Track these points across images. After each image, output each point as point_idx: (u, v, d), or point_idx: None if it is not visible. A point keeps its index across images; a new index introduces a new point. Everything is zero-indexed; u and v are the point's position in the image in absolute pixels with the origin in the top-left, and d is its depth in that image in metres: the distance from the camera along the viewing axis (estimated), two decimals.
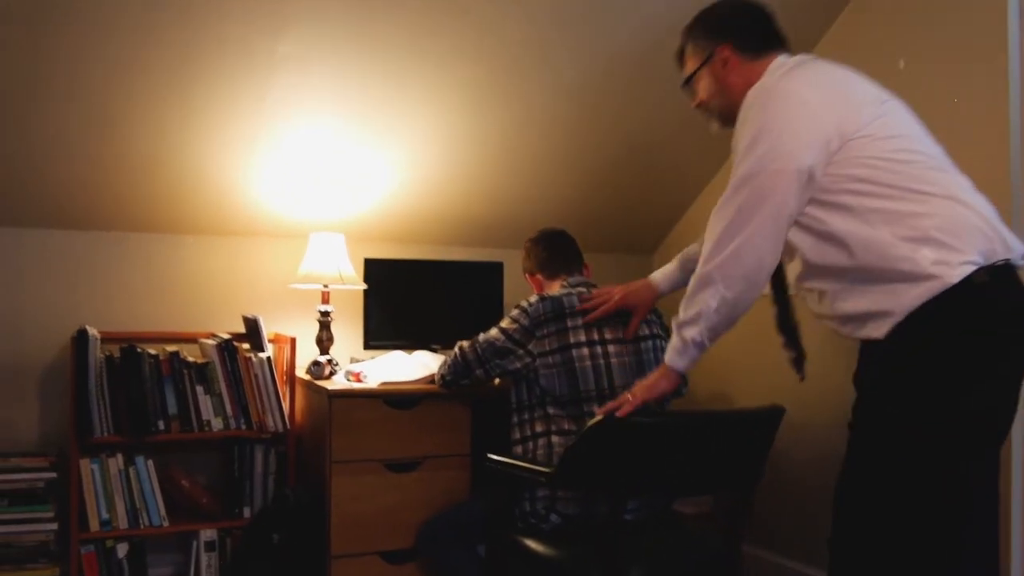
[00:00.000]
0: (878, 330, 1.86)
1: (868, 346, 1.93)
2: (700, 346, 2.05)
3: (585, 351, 2.63)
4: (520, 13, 3.03)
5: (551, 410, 2.64)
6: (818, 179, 1.92)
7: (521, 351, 2.67)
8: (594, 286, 2.82)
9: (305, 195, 3.53)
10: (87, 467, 3.07)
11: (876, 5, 3.21)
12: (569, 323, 2.66)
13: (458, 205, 3.78)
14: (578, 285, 2.82)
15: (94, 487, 3.07)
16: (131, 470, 3.12)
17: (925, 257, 1.80)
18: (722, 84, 2.19)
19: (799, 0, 3.22)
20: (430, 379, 3.12)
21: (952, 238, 1.81)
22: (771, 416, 2.27)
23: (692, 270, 2.33)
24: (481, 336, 2.78)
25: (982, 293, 1.79)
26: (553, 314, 2.67)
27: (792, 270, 2.08)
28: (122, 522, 3.09)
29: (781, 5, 3.23)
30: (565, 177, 3.78)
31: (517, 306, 2.74)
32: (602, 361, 2.64)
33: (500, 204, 3.82)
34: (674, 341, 2.09)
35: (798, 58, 2.13)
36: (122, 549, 3.13)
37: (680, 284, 2.60)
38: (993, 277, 1.81)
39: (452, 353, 2.89)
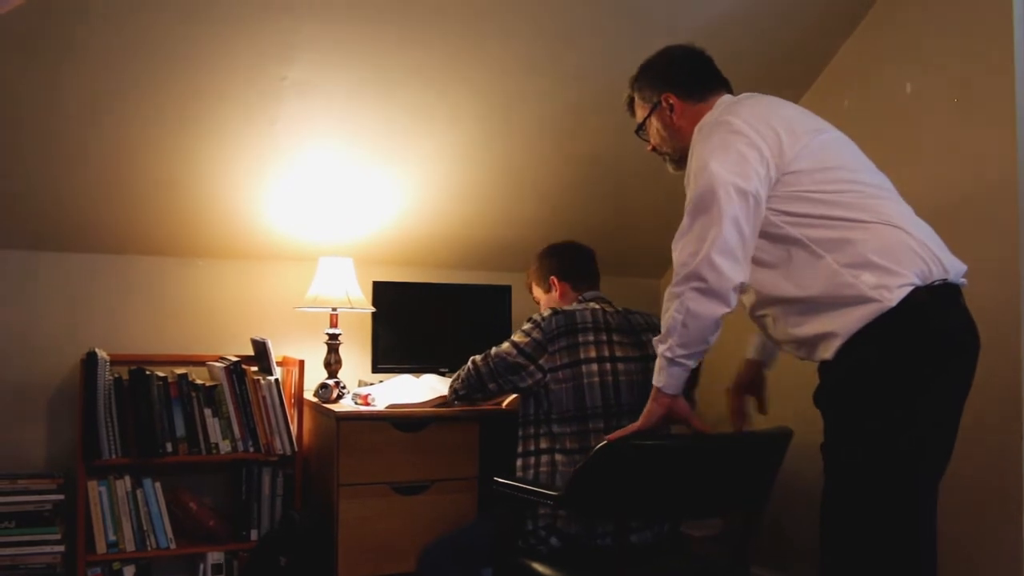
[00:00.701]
0: (827, 351, 1.96)
1: (821, 367, 2.02)
2: (673, 363, 2.06)
3: (595, 367, 2.63)
4: (525, 36, 3.05)
5: (555, 428, 2.63)
6: (763, 207, 2.01)
7: (532, 367, 2.66)
8: (608, 302, 2.82)
9: (314, 219, 3.55)
10: (95, 489, 3.07)
11: (881, 32, 3.23)
12: (580, 338, 2.66)
13: (466, 228, 3.80)
14: (592, 300, 2.82)
15: (101, 509, 3.07)
16: (139, 492, 3.12)
17: (865, 282, 1.90)
18: (671, 129, 2.32)
19: (805, 28, 3.24)
20: (438, 402, 3.11)
21: (890, 261, 1.91)
22: (779, 439, 2.27)
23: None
24: (494, 350, 2.77)
25: (921, 311, 1.89)
26: (566, 328, 2.66)
27: (746, 300, 2.15)
28: (129, 544, 3.09)
29: (788, 34, 3.27)
30: (572, 200, 3.79)
31: (530, 319, 2.74)
32: (610, 378, 2.64)
33: (508, 227, 3.83)
34: (657, 361, 2.13)
35: (741, 96, 2.25)
36: (129, 571, 3.12)
37: (773, 346, 2.40)
38: (932, 296, 1.91)
39: (465, 367, 2.89)
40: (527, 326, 2.73)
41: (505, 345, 2.74)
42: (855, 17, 3.28)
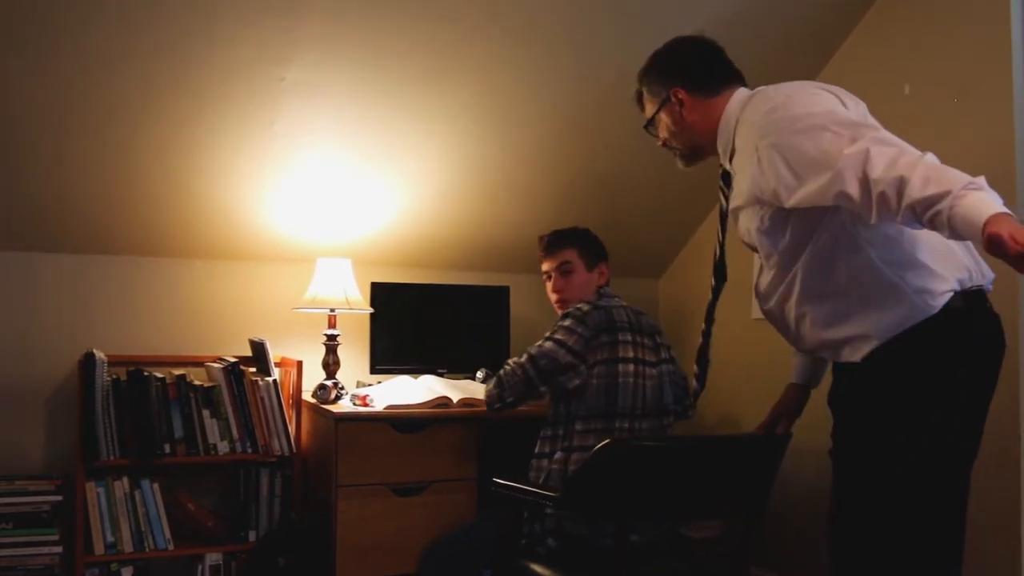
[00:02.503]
0: (854, 354, 1.89)
1: (844, 368, 1.95)
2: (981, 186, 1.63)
3: (631, 367, 2.64)
4: (525, 37, 3.06)
5: (578, 426, 2.62)
6: None
7: (582, 366, 2.62)
8: (620, 300, 2.83)
9: (312, 219, 3.55)
10: (93, 490, 3.07)
11: (879, 34, 3.23)
12: (620, 336, 2.66)
13: (464, 229, 3.80)
14: (615, 297, 2.83)
15: (99, 510, 3.07)
16: (137, 493, 3.12)
17: (909, 284, 1.82)
18: (681, 124, 2.19)
19: (802, 29, 3.24)
20: (436, 403, 3.11)
21: (937, 263, 1.83)
22: (777, 441, 2.27)
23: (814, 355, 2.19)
24: (536, 350, 2.68)
25: (957, 319, 1.82)
26: (607, 325, 2.66)
27: (776, 293, 2.04)
28: (127, 545, 3.08)
29: (785, 34, 3.27)
30: (570, 201, 3.78)
31: (569, 315, 2.69)
32: (642, 380, 2.65)
33: (506, 228, 3.83)
34: (970, 200, 1.58)
35: (762, 87, 2.13)
36: (127, 572, 3.12)
37: (811, 365, 2.30)
38: (966, 303, 1.84)
39: (506, 371, 2.76)
40: (568, 323, 2.67)
41: (548, 345, 2.66)
42: (853, 18, 3.28)
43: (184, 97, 2.95)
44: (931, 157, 1.66)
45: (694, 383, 2.37)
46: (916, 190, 1.60)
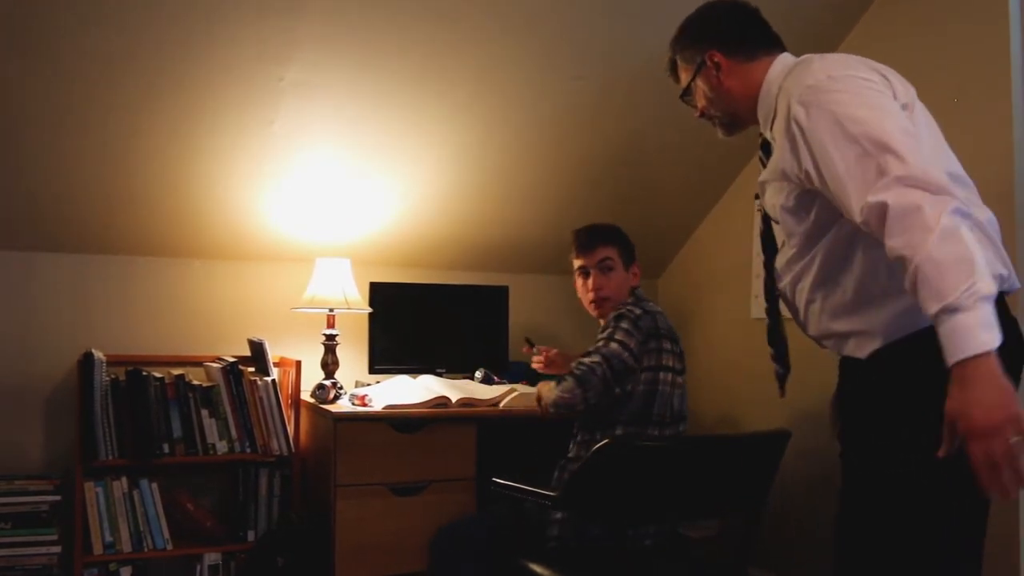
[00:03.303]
0: (859, 349, 1.86)
1: (848, 364, 1.92)
2: (990, 298, 1.54)
3: (669, 376, 2.64)
4: (523, 36, 3.06)
5: (618, 430, 2.61)
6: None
7: (639, 371, 2.62)
8: (656, 304, 2.81)
9: (311, 219, 3.55)
10: (91, 490, 3.06)
11: (879, 33, 3.23)
12: (664, 344, 2.66)
13: (464, 229, 3.80)
14: (650, 302, 2.80)
15: (98, 510, 3.06)
16: (135, 493, 3.11)
17: None
18: (719, 90, 2.07)
19: (802, 29, 3.24)
20: (435, 402, 3.11)
21: None
22: (777, 440, 2.27)
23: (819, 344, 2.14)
24: (606, 352, 2.61)
25: None
26: (654, 331, 2.66)
27: (791, 273, 2.00)
28: (126, 545, 3.08)
29: (785, 34, 3.27)
30: (570, 201, 3.78)
31: (623, 317, 2.65)
32: (675, 389, 2.66)
33: (505, 228, 3.83)
34: (972, 317, 1.52)
35: (809, 55, 1.99)
36: (126, 572, 3.11)
37: None
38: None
39: (583, 371, 2.60)
40: (625, 324, 2.64)
41: (615, 346, 2.62)
42: (852, 18, 3.28)
43: (184, 97, 2.95)
44: (944, 228, 1.54)
45: (776, 368, 2.20)
46: (909, 285, 1.57)
